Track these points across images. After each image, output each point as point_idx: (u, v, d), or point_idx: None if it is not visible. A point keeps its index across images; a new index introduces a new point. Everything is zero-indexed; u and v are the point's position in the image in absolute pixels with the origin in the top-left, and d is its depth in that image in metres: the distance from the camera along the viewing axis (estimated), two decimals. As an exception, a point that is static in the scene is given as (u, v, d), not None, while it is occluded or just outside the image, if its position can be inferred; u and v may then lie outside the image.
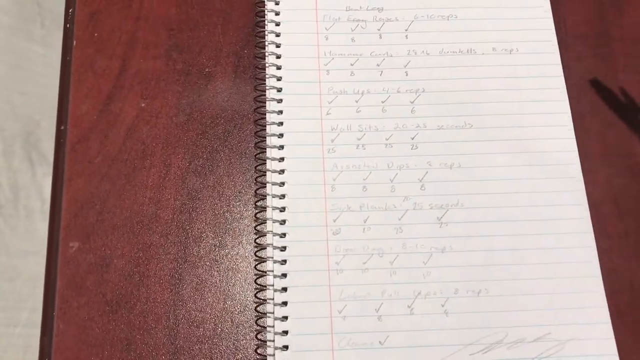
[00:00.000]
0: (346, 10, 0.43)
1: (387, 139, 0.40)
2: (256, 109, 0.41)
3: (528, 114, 0.40)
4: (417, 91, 0.41)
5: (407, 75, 0.41)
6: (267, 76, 0.41)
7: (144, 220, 0.38)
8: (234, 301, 0.37)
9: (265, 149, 0.39)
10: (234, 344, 0.36)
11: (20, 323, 0.66)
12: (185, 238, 0.38)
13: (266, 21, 0.42)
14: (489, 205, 0.38)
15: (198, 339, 0.36)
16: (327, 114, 0.40)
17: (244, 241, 0.38)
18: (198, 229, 0.38)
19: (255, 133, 0.40)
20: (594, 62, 0.43)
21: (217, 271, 0.38)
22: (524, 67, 0.41)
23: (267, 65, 0.41)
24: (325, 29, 0.42)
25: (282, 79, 0.41)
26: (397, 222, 0.38)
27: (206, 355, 0.36)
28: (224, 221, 0.39)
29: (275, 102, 0.40)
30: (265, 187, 0.39)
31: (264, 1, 0.43)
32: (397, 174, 0.39)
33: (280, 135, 0.39)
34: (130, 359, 0.36)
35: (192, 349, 0.36)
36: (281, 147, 0.39)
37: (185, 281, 0.37)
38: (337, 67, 0.41)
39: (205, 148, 0.40)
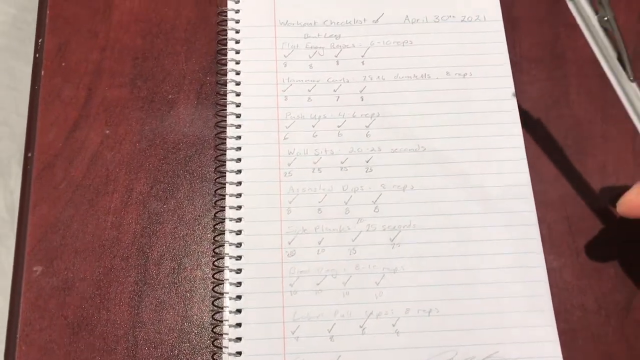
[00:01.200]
0: (304, 38, 0.44)
1: (342, 162, 0.41)
2: (217, 134, 0.42)
3: (480, 137, 0.41)
4: (372, 116, 0.42)
5: (362, 100, 0.42)
6: (227, 102, 0.42)
7: (105, 244, 0.40)
8: (191, 322, 0.38)
9: (225, 173, 0.41)
10: (191, 364, 0.37)
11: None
12: (145, 261, 0.39)
13: (227, 49, 0.44)
14: (440, 226, 0.39)
15: (157, 359, 0.37)
16: (285, 138, 0.41)
17: (202, 264, 0.39)
18: (158, 252, 0.39)
19: (215, 158, 0.41)
20: (548, 85, 0.44)
21: (176, 293, 0.39)
22: (477, 91, 0.42)
23: (227, 91, 0.42)
24: (284, 56, 0.43)
25: (242, 105, 0.42)
26: (351, 243, 0.39)
27: (164, 375, 0.37)
28: (183, 244, 0.40)
29: (234, 128, 0.41)
30: (224, 210, 0.40)
31: (226, 30, 0.44)
32: (351, 196, 0.40)
33: (239, 160, 0.41)
34: (90, 380, 0.37)
35: (150, 370, 0.37)
36: (239, 172, 0.40)
37: (144, 303, 0.38)
38: (295, 93, 0.42)
39: (166, 173, 0.41)
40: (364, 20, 0.44)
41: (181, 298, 0.39)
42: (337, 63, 0.43)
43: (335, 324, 0.37)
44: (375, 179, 0.40)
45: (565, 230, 0.40)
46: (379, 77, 0.43)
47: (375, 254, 0.39)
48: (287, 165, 0.41)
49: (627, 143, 0.42)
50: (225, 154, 0.41)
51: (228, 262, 0.38)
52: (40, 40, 0.45)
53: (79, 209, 0.40)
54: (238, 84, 0.43)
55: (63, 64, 0.44)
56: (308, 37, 0.44)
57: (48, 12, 0.45)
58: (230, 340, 0.37)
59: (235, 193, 0.40)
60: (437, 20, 0.44)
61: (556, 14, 0.46)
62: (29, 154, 0.42)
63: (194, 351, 0.37)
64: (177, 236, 0.40)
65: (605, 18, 0.33)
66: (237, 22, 0.44)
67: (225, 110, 0.42)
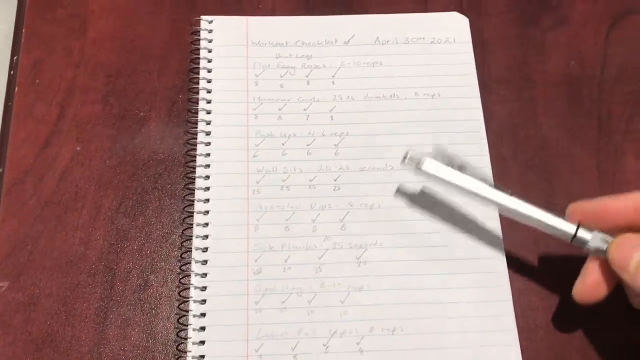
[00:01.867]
0: (276, 58, 0.44)
1: (310, 180, 0.41)
2: (187, 151, 0.42)
3: None
4: (341, 134, 0.42)
5: (332, 119, 0.43)
6: (198, 120, 0.43)
7: (73, 260, 0.40)
8: (156, 340, 0.38)
9: (194, 190, 0.41)
10: (154, 381, 0.37)
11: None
12: (112, 277, 0.39)
13: (200, 67, 0.44)
14: (405, 245, 0.39)
15: (120, 377, 0.37)
16: (254, 156, 0.42)
17: (168, 281, 0.39)
18: (125, 268, 0.40)
19: (184, 175, 0.42)
20: (516, 106, 0.44)
21: (142, 310, 0.39)
22: (445, 111, 0.43)
23: (198, 109, 0.43)
24: (255, 75, 0.44)
25: (212, 122, 0.42)
26: (317, 261, 0.39)
27: (127, 393, 0.37)
28: (150, 261, 0.40)
29: (203, 145, 0.42)
30: (192, 228, 0.40)
31: (199, 48, 0.45)
32: (319, 214, 0.40)
33: (207, 177, 0.41)
34: (52, 397, 0.37)
35: (114, 387, 0.37)
36: (207, 189, 0.41)
37: (109, 320, 0.38)
38: (266, 112, 0.43)
39: (135, 190, 0.42)
40: (335, 41, 0.45)
41: (146, 315, 0.39)
42: (308, 83, 0.44)
43: (299, 342, 0.37)
44: (342, 197, 0.41)
45: (531, 250, 0.40)
46: (348, 96, 0.43)
47: (341, 272, 0.39)
48: (256, 183, 0.41)
49: (593, 163, 0.43)
50: (195, 171, 0.41)
51: (193, 279, 0.39)
52: (15, 58, 0.45)
53: (47, 225, 0.40)
54: (209, 102, 0.43)
55: (37, 81, 0.44)
56: (279, 57, 0.44)
57: (24, 30, 0.46)
58: (193, 357, 0.37)
59: (203, 210, 0.40)
60: (407, 42, 0.45)
61: (525, 37, 0.47)
62: (0, 170, 0.42)
63: (158, 368, 0.37)
64: (144, 253, 0.40)
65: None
66: (210, 41, 0.45)
67: (196, 127, 0.43)
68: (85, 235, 0.40)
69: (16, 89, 0.44)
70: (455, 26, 0.46)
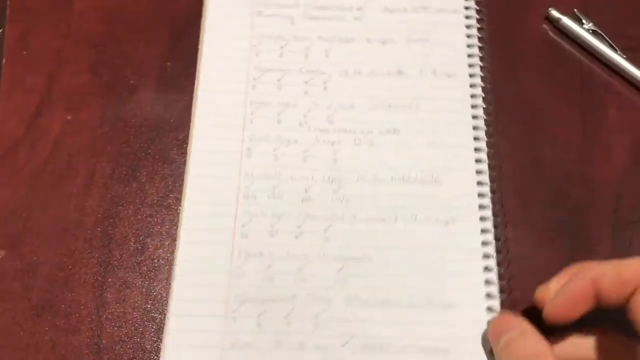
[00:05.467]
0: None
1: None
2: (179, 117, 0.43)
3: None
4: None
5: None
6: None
7: (68, 227, 0.40)
8: (155, 301, 0.39)
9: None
10: (155, 342, 0.38)
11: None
12: (109, 242, 0.40)
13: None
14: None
15: (121, 338, 0.38)
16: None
17: (165, 244, 0.40)
18: (121, 233, 0.40)
19: (176, 140, 0.42)
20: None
21: (140, 273, 0.39)
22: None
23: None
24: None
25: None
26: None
27: (129, 354, 0.37)
28: (146, 225, 0.40)
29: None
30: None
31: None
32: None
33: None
34: (54, 360, 0.37)
35: (115, 348, 0.37)
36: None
37: (108, 284, 0.39)
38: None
39: (128, 156, 0.42)
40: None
41: (145, 278, 0.39)
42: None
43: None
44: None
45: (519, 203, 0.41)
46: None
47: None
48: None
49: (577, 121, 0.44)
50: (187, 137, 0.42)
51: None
52: (0, 30, 0.45)
53: (41, 193, 0.41)
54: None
55: (24, 53, 0.44)
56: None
57: (9, 2, 0.46)
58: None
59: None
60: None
61: None
62: (-9, 141, 0.42)
63: (159, 329, 0.38)
64: (139, 218, 0.40)
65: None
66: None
67: (187, 94, 0.43)
68: (80, 202, 0.41)
69: (3, 60, 0.44)
70: None
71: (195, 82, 0.43)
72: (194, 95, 0.43)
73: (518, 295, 0.38)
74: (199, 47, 0.44)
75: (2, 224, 0.40)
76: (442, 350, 0.36)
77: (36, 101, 0.43)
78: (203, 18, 0.45)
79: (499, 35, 0.46)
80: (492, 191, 0.40)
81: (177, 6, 0.46)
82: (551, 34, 0.46)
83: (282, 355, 0.36)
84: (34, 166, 0.41)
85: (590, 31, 0.44)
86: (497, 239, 0.39)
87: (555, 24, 0.45)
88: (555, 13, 0.45)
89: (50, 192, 0.41)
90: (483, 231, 0.39)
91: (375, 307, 0.37)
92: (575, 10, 0.45)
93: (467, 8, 0.46)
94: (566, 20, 0.45)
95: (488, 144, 0.41)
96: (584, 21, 0.45)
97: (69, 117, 0.43)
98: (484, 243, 0.39)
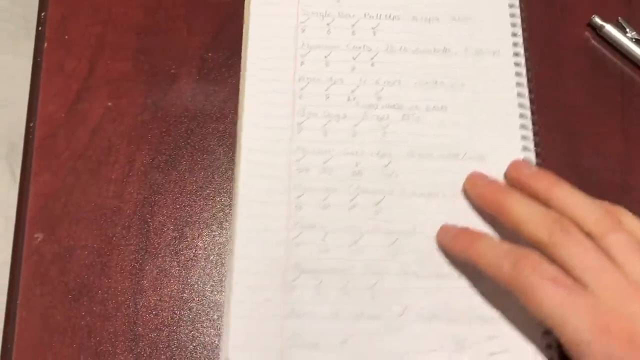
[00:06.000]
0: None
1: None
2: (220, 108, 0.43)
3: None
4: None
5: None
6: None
7: (107, 213, 0.40)
8: (192, 290, 0.39)
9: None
10: (191, 331, 0.38)
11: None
12: (147, 230, 0.40)
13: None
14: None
15: (156, 326, 0.38)
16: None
17: (203, 234, 0.40)
18: (159, 221, 0.40)
19: (216, 131, 0.42)
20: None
21: (177, 262, 0.39)
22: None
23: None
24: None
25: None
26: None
27: (164, 341, 0.38)
28: (184, 214, 0.40)
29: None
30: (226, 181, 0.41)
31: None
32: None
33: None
34: (91, 345, 0.37)
35: (151, 336, 0.38)
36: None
37: (145, 271, 0.39)
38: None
39: (168, 145, 0.42)
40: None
41: (182, 267, 0.39)
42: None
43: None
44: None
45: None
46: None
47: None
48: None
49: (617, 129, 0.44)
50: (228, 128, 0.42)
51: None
52: (43, 14, 0.45)
53: (80, 178, 0.41)
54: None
55: (66, 37, 0.44)
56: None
57: (51, -14, 0.46)
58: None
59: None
60: None
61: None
62: (31, 124, 0.42)
63: (194, 318, 0.38)
64: (178, 207, 0.40)
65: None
66: None
67: (228, 84, 0.43)
68: (119, 188, 0.41)
69: (45, 44, 0.44)
70: None
71: (242, 62, 0.43)
72: (241, 75, 0.43)
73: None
74: (244, 29, 0.44)
75: (42, 206, 0.40)
76: (493, 319, 0.38)
77: (77, 86, 0.43)
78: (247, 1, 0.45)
79: (540, 39, 0.45)
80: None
81: (221, -4, 0.46)
82: (593, 41, 0.46)
83: (341, 325, 0.37)
84: (73, 151, 0.41)
85: (634, 40, 0.44)
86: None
87: (598, 31, 0.45)
88: (598, 20, 0.45)
89: (90, 178, 0.41)
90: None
91: (428, 279, 0.38)
92: (619, 18, 0.45)
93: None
94: (609, 28, 0.45)
95: (533, 129, 0.42)
96: (627, 30, 0.45)
97: (109, 104, 0.43)
98: None
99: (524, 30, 0.45)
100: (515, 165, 0.40)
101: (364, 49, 0.44)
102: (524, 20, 0.45)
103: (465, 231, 0.38)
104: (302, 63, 0.43)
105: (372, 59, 0.44)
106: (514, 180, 0.39)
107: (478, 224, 0.40)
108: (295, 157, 0.41)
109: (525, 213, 0.36)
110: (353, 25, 0.44)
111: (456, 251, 0.38)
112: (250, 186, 0.40)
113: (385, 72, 0.43)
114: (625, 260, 0.34)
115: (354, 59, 0.43)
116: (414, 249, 0.39)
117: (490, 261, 0.35)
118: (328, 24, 0.44)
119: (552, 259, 0.34)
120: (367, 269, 0.38)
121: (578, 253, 0.34)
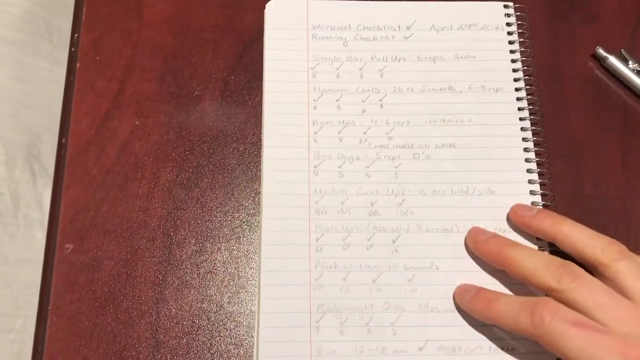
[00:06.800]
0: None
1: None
2: (239, 130, 0.45)
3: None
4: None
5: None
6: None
7: (133, 226, 0.43)
8: (211, 301, 0.41)
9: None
10: (209, 339, 0.40)
11: (14, 329, 0.69)
12: (170, 243, 0.42)
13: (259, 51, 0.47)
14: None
15: (177, 334, 0.40)
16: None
17: (222, 248, 0.42)
18: (181, 235, 0.43)
19: (236, 151, 0.45)
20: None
21: (197, 274, 0.42)
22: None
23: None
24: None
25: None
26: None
27: (184, 348, 0.40)
28: (205, 229, 0.43)
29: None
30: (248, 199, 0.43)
31: (255, 29, 0.48)
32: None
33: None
34: (115, 350, 0.40)
35: (171, 343, 0.40)
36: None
37: (167, 282, 0.41)
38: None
39: (191, 163, 0.44)
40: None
41: (202, 279, 0.42)
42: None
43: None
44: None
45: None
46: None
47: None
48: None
49: (618, 158, 0.46)
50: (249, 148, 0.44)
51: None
52: (76, 35, 0.48)
53: (109, 193, 0.43)
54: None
55: (97, 58, 0.47)
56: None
57: (84, 9, 0.49)
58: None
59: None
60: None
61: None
62: (63, 140, 0.45)
63: (212, 328, 0.41)
64: (199, 222, 0.43)
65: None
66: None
67: (249, 106, 0.46)
68: (144, 203, 0.43)
69: (78, 64, 0.47)
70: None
71: (262, 106, 0.46)
72: (262, 117, 0.45)
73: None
74: (264, 65, 0.47)
75: (72, 218, 0.43)
76: (510, 349, 0.39)
77: (107, 105, 0.46)
78: (264, 40, 0.48)
79: (547, 70, 0.48)
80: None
81: (244, 23, 0.48)
82: (597, 71, 0.48)
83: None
84: (102, 167, 0.44)
85: (636, 71, 0.46)
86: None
87: (602, 62, 0.47)
88: (602, 52, 0.47)
89: (117, 193, 0.43)
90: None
91: (447, 313, 0.40)
92: (622, 50, 0.47)
93: (508, 24, 0.48)
94: (612, 60, 0.47)
95: (539, 159, 0.44)
96: (630, 61, 0.47)
97: (137, 122, 0.45)
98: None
99: (530, 61, 0.47)
100: (516, 210, 0.42)
101: (372, 91, 0.46)
102: (530, 52, 0.47)
103: (482, 292, 0.39)
104: (315, 107, 0.45)
105: (380, 100, 0.46)
106: (518, 224, 0.41)
107: None
108: (313, 199, 0.43)
109: (530, 263, 0.38)
110: (361, 69, 0.47)
111: (476, 313, 0.39)
112: (272, 230, 0.42)
113: (394, 113, 0.45)
114: (635, 290, 0.35)
115: (364, 101, 0.46)
116: (431, 283, 0.41)
117: (510, 317, 0.37)
118: (337, 69, 0.47)
119: (566, 304, 0.35)
120: (388, 306, 0.40)
121: (591, 294, 0.35)
